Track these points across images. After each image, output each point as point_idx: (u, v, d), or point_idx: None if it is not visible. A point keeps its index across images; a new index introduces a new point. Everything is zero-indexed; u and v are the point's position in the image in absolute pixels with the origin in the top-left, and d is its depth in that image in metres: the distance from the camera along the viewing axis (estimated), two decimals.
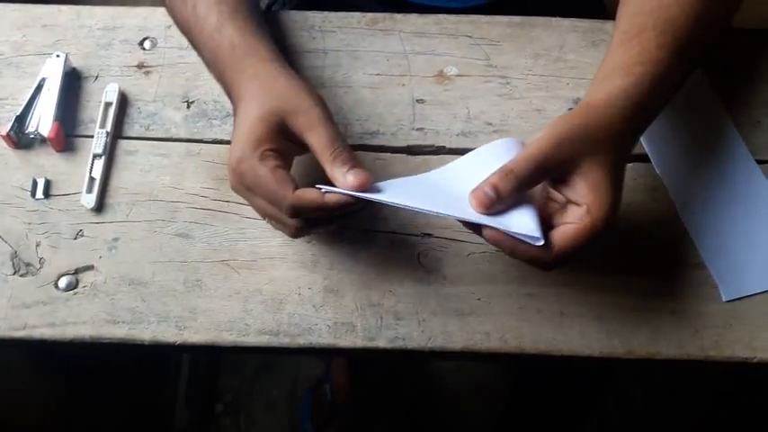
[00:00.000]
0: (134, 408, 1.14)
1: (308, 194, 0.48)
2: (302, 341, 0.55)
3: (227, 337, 0.55)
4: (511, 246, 0.46)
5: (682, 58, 0.53)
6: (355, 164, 0.49)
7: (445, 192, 0.50)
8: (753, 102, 0.65)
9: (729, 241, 0.58)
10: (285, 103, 0.51)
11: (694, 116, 0.64)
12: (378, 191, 0.49)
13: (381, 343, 0.55)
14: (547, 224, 0.47)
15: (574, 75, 0.65)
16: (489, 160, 0.50)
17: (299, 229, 0.51)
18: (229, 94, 0.55)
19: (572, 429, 1.19)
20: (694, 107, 0.64)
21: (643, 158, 0.62)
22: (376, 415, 1.30)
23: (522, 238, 0.46)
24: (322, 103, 0.52)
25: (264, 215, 0.53)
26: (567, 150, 0.47)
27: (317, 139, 0.50)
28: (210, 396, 1.30)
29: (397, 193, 0.49)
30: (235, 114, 0.53)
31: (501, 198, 0.46)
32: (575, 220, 0.47)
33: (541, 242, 0.45)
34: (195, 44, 0.59)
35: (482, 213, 0.46)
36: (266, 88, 0.52)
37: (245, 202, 0.53)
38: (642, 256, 0.58)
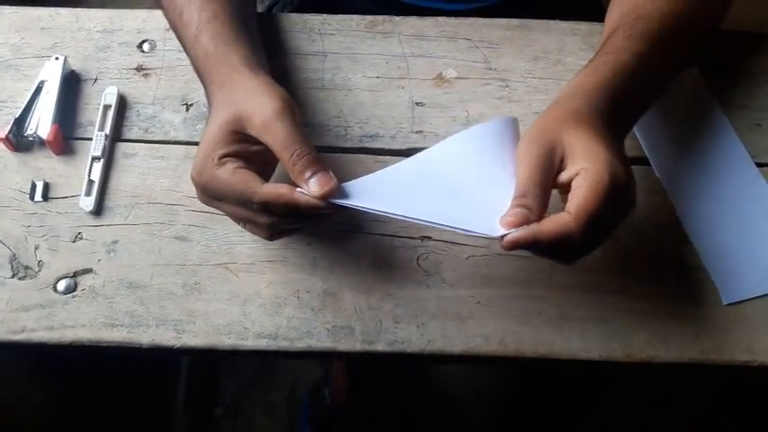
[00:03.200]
0: (132, 411, 1.13)
1: (278, 188, 0.47)
2: (301, 344, 0.55)
3: (226, 341, 0.55)
4: (531, 235, 0.44)
5: (654, 49, 0.53)
6: (318, 168, 0.46)
7: (423, 189, 0.48)
8: (752, 105, 0.65)
9: (729, 244, 0.58)
10: (242, 106, 0.49)
11: (694, 119, 0.64)
12: (347, 195, 0.47)
13: (380, 346, 0.55)
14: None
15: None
16: (475, 147, 0.50)
17: (272, 227, 0.50)
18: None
19: (572, 430, 1.19)
20: (693, 110, 0.64)
21: (643, 161, 0.62)
22: (375, 419, 1.29)
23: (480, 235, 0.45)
24: (283, 102, 0.48)
25: (238, 220, 0.51)
26: (549, 138, 0.47)
27: (272, 140, 0.47)
28: (209, 400, 1.30)
29: (371, 196, 0.47)
30: None
31: (533, 214, 0.45)
32: (581, 183, 0.45)
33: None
34: (184, 50, 0.58)
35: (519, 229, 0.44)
36: (228, 95, 0.50)
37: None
38: (642, 259, 0.58)
